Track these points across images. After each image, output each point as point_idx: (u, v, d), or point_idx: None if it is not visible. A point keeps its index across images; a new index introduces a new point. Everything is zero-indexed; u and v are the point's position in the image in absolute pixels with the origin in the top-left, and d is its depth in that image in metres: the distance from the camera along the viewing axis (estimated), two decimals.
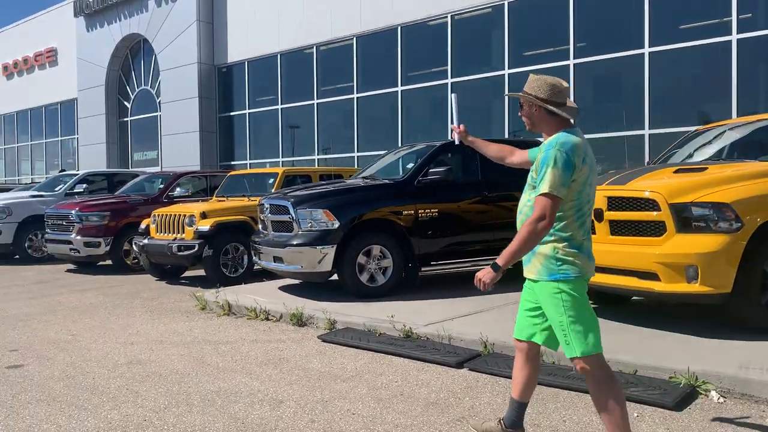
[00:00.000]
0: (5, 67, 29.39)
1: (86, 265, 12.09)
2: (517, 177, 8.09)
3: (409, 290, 7.37)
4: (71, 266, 12.21)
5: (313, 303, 6.78)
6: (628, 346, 4.70)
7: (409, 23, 14.71)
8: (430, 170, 7.35)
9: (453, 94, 3.83)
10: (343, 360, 4.98)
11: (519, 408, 3.26)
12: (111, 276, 10.68)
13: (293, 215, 7.05)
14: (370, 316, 5.99)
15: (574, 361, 2.90)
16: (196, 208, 9.44)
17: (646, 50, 11.34)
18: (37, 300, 8.37)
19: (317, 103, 16.89)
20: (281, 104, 17.89)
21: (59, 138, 26.83)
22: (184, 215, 9.31)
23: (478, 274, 2.88)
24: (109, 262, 11.25)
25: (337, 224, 6.90)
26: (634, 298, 6.44)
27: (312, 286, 7.88)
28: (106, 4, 21.90)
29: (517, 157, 3.42)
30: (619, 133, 11.85)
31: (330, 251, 6.88)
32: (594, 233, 5.51)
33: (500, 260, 2.84)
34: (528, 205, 2.97)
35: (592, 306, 6.39)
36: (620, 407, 2.83)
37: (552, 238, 2.88)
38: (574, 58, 12.22)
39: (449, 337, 5.19)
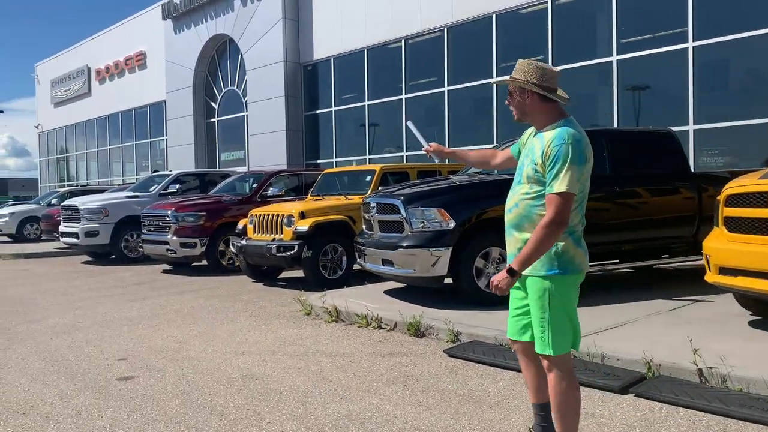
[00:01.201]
0: (98, 72, 30.46)
1: (181, 266, 12.01)
2: (651, 170, 7.32)
3: None
4: (167, 267, 12.17)
5: (427, 311, 6.21)
6: None
7: (504, 11, 13.94)
8: None
9: (408, 121, 3.85)
10: (481, 380, 4.38)
11: (542, 410, 3.01)
12: (207, 277, 10.50)
13: (404, 214, 6.51)
14: (499, 328, 5.36)
15: (544, 357, 2.81)
16: (294, 207, 9.08)
17: None
18: (138, 303, 8.20)
19: (405, 98, 16.36)
20: (368, 101, 17.48)
21: (149, 140, 27.52)
22: (283, 215, 8.96)
23: (494, 280, 2.74)
24: (204, 262, 11.11)
25: (452, 224, 6.31)
26: None
27: (421, 291, 7.32)
28: (193, 5, 22.16)
29: (499, 158, 3.31)
30: (751, 122, 10.67)
31: (445, 254, 6.29)
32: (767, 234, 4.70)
33: (515, 265, 2.69)
34: (525, 199, 2.79)
35: (754, 318, 5.57)
36: (575, 412, 2.81)
37: (529, 227, 2.78)
38: (694, 41, 11.14)
39: (602, 355, 4.49)
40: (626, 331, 5.17)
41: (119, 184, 23.78)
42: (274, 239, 8.93)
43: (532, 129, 2.94)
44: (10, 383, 4.72)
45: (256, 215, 9.44)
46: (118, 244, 13.08)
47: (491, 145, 14.32)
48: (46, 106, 35.99)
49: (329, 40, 18.34)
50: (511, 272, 2.69)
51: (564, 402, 2.78)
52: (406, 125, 3.68)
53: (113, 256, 13.54)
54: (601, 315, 5.78)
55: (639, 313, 5.79)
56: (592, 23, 12.93)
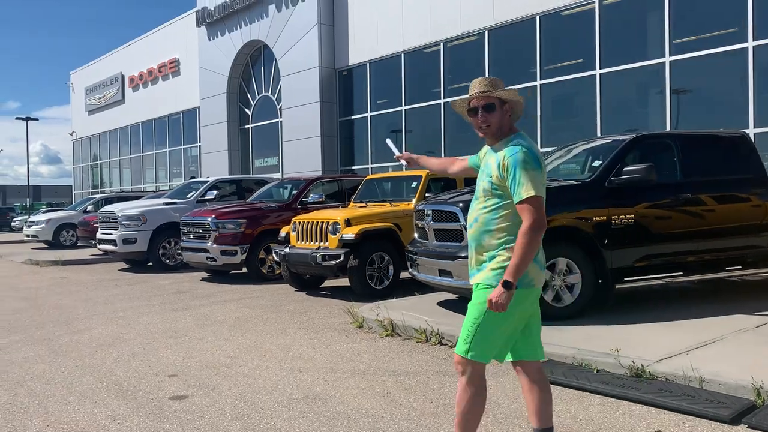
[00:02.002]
0: (131, 80, 30.66)
1: (220, 274, 11.80)
2: (725, 176, 6.85)
3: (600, 311, 6.27)
4: (205, 275, 11.95)
5: None
6: None
7: (549, 12, 13.52)
8: (625, 168, 6.22)
9: (387, 139, 3.97)
10: (567, 406, 3.99)
11: None
12: (247, 285, 10.24)
13: (463, 222, 6.13)
14: (575, 346, 4.97)
15: (457, 356, 2.81)
16: (338, 214, 8.77)
17: None
18: (181, 313, 7.95)
19: (444, 103, 16.00)
20: (404, 105, 17.16)
21: (182, 146, 27.55)
22: (328, 222, 8.66)
23: (492, 297, 2.65)
24: (243, 270, 10.86)
25: None
26: None
27: None
28: (227, 12, 22.10)
29: (456, 165, 3.36)
30: None
31: None
32: None
33: (509, 276, 2.64)
34: (483, 213, 2.82)
35: None
36: (477, 420, 2.83)
37: (509, 246, 2.74)
38: (754, 40, 10.60)
39: (700, 378, 4.07)
40: (717, 350, 4.73)
41: (153, 191, 23.81)
42: (318, 247, 8.63)
43: (487, 147, 2.99)
44: (59, 401, 4.46)
45: (299, 222, 9.15)
46: (156, 251, 12.91)
47: (569, 145, 13.89)
48: (81, 113, 36.40)
49: (365, 45, 18.08)
50: (507, 285, 2.63)
51: (469, 409, 2.79)
52: (386, 142, 3.62)
53: (150, 264, 13.40)
54: (682, 331, 5.35)
55: (723, 330, 5.34)
56: (643, 23, 12.44)
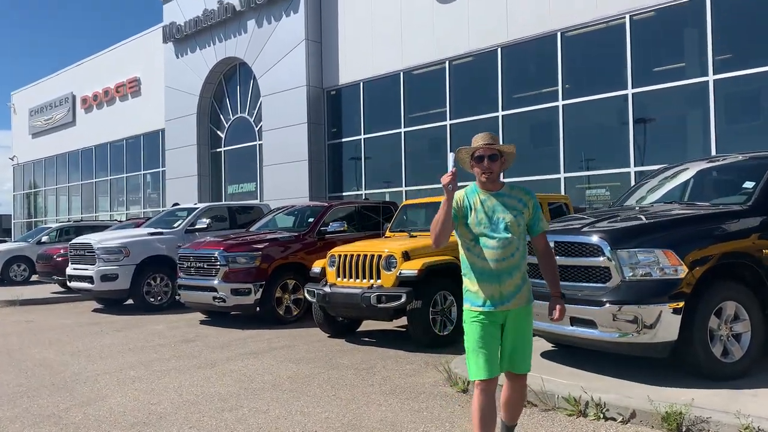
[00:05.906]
0: (84, 100, 28.45)
1: (220, 315, 10.14)
2: None
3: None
4: (202, 316, 10.27)
5: (644, 389, 4.58)
6: None
7: (572, 28, 12.63)
8: None
9: (451, 153, 3.44)
10: None
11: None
12: (262, 330, 8.69)
13: (611, 258, 4.86)
14: None
15: (523, 375, 3.36)
16: (391, 246, 7.40)
17: None
18: (210, 371, 6.35)
19: (450, 124, 14.86)
20: (404, 127, 15.92)
21: (141, 172, 25.49)
22: (380, 256, 7.25)
23: (560, 309, 3.39)
24: (257, 310, 9.28)
25: (683, 271, 4.70)
26: None
27: (594, 356, 5.66)
28: (199, 27, 20.50)
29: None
30: None
31: (675, 311, 4.66)
32: None
33: (559, 290, 3.47)
34: (519, 249, 3.28)
35: None
36: None
37: (524, 267, 3.36)
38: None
39: None
40: None
41: (116, 220, 21.79)
42: (371, 286, 7.20)
43: (465, 193, 3.38)
44: None
45: (339, 256, 7.70)
46: (140, 289, 11.13)
47: (557, 175, 12.92)
48: (23, 136, 33.67)
49: (358, 64, 16.84)
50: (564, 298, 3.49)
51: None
52: (449, 155, 2.81)
53: (130, 303, 11.61)
54: None
55: None
56: (679, 39, 11.66)
